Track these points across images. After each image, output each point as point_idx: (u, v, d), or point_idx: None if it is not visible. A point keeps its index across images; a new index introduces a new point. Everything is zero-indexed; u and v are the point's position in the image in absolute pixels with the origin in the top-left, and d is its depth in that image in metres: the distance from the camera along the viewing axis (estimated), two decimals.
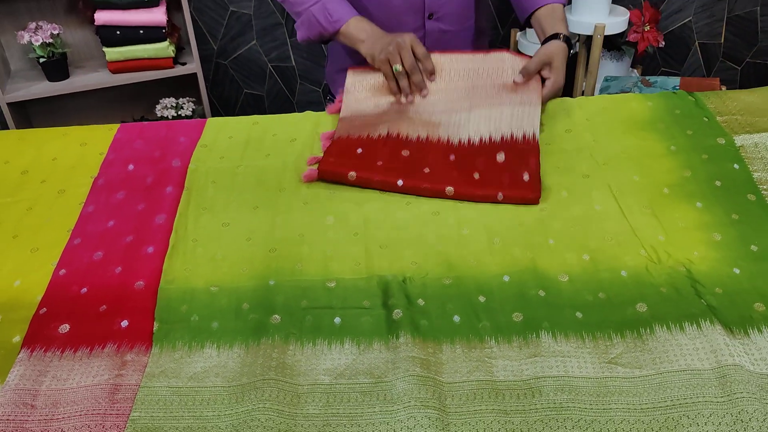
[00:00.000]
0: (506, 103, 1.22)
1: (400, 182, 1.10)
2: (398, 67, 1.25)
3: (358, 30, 1.33)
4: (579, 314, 0.88)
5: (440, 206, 1.07)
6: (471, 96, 1.26)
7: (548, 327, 0.87)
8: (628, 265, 0.94)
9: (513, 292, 0.92)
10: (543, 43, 1.33)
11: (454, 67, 1.31)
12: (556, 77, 1.28)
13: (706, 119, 1.21)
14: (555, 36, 1.32)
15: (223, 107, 2.77)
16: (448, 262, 0.97)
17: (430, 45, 1.39)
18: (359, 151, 1.17)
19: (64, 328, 0.90)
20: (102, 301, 0.94)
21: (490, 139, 1.17)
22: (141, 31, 2.25)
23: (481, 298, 0.91)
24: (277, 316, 0.90)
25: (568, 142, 1.20)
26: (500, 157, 1.13)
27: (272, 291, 0.94)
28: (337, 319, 0.90)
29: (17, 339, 0.89)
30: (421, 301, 0.91)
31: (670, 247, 0.97)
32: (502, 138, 1.16)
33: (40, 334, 0.89)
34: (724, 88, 1.77)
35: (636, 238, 0.99)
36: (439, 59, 1.32)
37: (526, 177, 1.09)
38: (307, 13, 1.36)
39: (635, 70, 2.42)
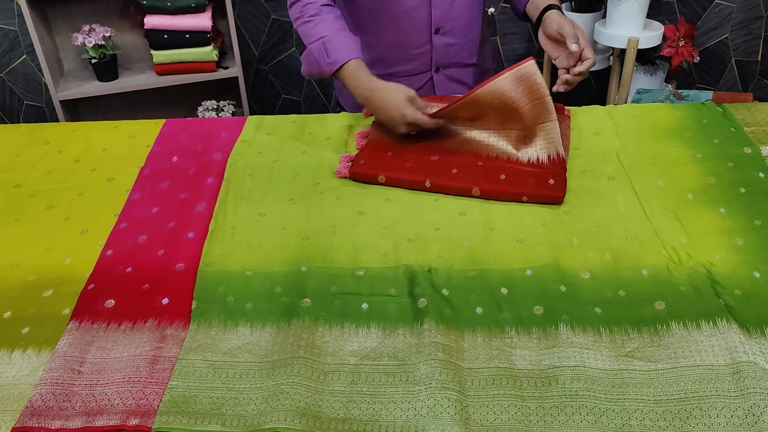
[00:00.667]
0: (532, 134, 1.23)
1: (427, 183, 1.15)
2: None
3: (353, 80, 1.25)
4: (598, 310, 0.91)
5: (467, 206, 1.11)
6: (498, 129, 1.26)
7: (567, 320, 0.90)
8: (649, 264, 0.97)
9: (535, 286, 0.95)
10: (537, 22, 1.32)
11: (476, 111, 1.24)
12: (568, 31, 1.23)
13: (734, 129, 1.22)
14: (547, 9, 1.30)
15: (262, 111, 2.86)
16: (472, 256, 1.01)
17: (436, 58, 1.41)
18: (389, 154, 1.22)
19: (110, 303, 0.97)
20: (145, 280, 1.00)
21: (518, 158, 1.19)
22: (187, 36, 2.35)
23: (504, 291, 0.95)
24: (307, 299, 0.95)
25: (595, 146, 1.23)
26: (527, 168, 1.17)
27: (303, 276, 0.99)
28: (365, 305, 0.94)
29: (67, 311, 0.96)
30: (445, 291, 0.95)
31: (691, 250, 0.99)
32: (528, 160, 1.18)
33: (88, 308, 0.96)
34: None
35: (658, 239, 1.01)
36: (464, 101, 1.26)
37: (551, 181, 1.12)
38: (308, 49, 1.30)
39: (669, 85, 2.42)
